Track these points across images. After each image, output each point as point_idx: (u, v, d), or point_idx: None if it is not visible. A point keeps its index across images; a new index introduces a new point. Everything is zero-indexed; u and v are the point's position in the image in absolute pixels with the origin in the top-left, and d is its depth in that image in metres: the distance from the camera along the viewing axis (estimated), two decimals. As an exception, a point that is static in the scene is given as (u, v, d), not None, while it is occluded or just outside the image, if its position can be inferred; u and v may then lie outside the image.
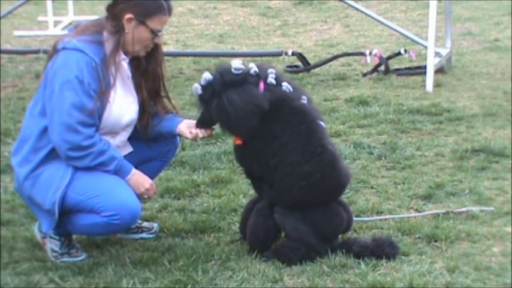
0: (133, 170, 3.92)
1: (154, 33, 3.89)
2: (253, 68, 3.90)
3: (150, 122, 4.08)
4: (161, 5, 3.89)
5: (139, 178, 3.93)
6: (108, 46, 3.85)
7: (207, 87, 3.89)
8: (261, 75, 3.90)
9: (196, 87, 3.92)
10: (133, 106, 4.01)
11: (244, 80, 3.86)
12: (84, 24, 3.95)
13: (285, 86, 3.92)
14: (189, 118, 4.18)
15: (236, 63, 3.88)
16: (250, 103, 3.81)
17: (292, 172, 3.88)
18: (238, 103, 3.80)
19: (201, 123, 4.03)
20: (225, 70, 3.89)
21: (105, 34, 3.87)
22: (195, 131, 4.04)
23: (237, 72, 3.86)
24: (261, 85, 3.89)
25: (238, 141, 3.98)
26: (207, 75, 3.89)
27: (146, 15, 3.86)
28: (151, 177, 4.05)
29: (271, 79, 3.90)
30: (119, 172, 3.87)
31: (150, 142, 4.14)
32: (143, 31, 3.87)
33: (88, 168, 3.82)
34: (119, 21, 3.85)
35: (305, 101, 3.95)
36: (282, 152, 3.89)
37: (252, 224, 4.04)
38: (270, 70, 3.93)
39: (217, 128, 4.06)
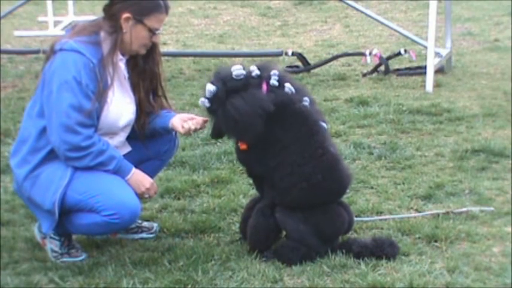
0: (134, 170, 3.91)
1: (152, 31, 3.90)
2: (254, 70, 3.88)
3: (147, 121, 4.08)
4: (158, 4, 3.90)
5: (139, 177, 3.93)
6: (106, 46, 3.85)
7: (213, 98, 3.86)
8: (263, 77, 3.89)
9: (203, 101, 3.89)
10: (130, 106, 4.01)
11: (246, 83, 3.84)
12: (81, 25, 3.96)
13: (288, 87, 3.91)
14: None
15: (236, 69, 3.85)
16: (256, 106, 3.79)
17: (292, 173, 3.88)
18: (243, 108, 3.77)
19: (216, 135, 4.00)
20: (227, 77, 3.85)
21: (102, 34, 3.87)
22: (187, 125, 4.01)
23: (238, 77, 3.85)
24: (264, 86, 3.88)
25: (243, 146, 3.94)
26: (210, 87, 3.84)
27: (144, 14, 3.86)
28: (151, 177, 4.04)
29: (273, 81, 3.89)
30: (119, 172, 3.87)
31: (147, 141, 4.13)
32: (141, 30, 3.88)
33: (87, 168, 3.82)
34: (116, 21, 3.85)
35: (307, 103, 3.94)
36: (283, 154, 3.89)
37: (252, 223, 4.04)
38: (273, 72, 3.90)
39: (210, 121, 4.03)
